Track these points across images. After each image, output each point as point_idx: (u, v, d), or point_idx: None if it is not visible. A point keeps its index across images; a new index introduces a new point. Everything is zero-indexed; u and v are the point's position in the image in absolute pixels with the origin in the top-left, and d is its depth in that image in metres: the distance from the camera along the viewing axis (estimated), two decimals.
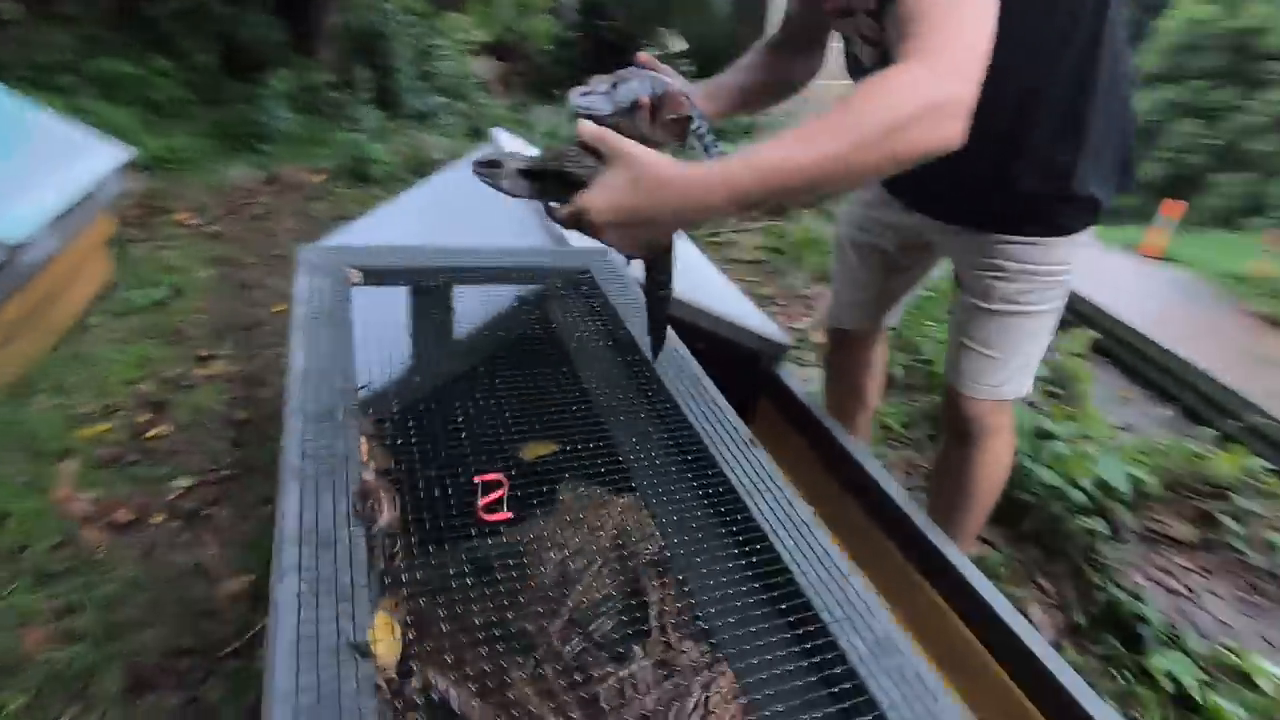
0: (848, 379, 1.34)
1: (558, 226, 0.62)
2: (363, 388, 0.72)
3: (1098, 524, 1.48)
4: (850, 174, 0.56)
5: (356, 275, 0.89)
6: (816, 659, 0.56)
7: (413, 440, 0.68)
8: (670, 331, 0.88)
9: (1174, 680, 1.22)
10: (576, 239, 1.24)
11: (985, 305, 1.01)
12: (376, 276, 0.91)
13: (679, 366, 0.90)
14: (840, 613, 0.59)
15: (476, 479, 0.62)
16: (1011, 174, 0.91)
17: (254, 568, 1.31)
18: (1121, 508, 1.49)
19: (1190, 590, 1.42)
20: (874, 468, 1.13)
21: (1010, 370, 1.04)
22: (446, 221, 1.58)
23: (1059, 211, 0.93)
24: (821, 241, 2.76)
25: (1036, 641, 0.83)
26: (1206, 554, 1.49)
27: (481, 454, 0.70)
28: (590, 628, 0.58)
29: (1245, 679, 1.23)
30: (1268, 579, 1.44)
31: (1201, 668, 1.24)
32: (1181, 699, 1.20)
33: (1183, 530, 1.52)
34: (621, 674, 0.54)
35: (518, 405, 0.77)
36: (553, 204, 0.61)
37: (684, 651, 0.58)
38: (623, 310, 0.99)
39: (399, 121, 4.51)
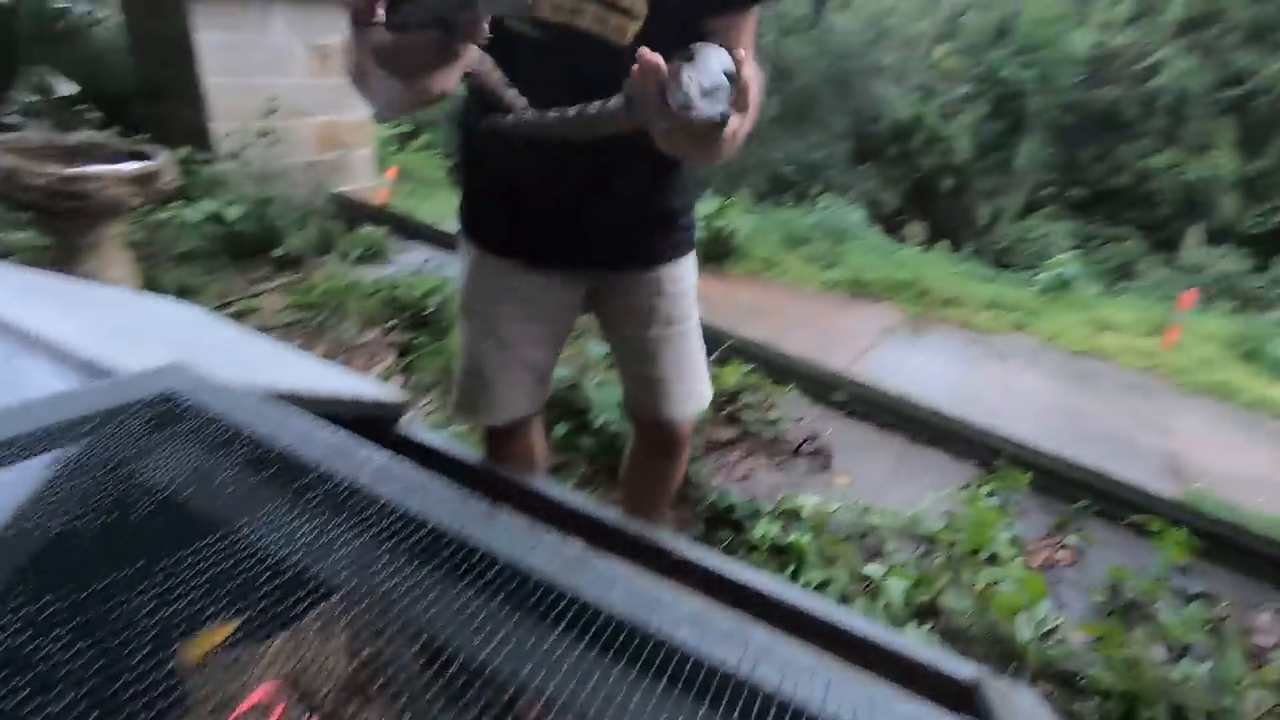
0: (521, 463, 1.21)
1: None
2: None
3: None
4: None
5: None
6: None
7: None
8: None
9: (768, 539, 1.67)
10: (131, 363, 0.93)
11: (661, 334, 1.05)
12: None
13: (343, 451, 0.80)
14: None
15: (241, 709, 0.46)
16: (674, 201, 0.99)
17: None
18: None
19: (747, 473, 1.93)
20: (556, 489, 1.18)
21: (699, 381, 1.13)
22: None
23: (691, 226, 1.05)
24: (359, 285, 2.63)
25: (761, 579, 1.02)
26: (743, 443, 2.04)
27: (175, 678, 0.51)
28: None
29: (797, 515, 1.76)
30: (777, 444, 2.06)
31: (776, 520, 1.72)
32: (777, 549, 1.65)
33: (726, 433, 2.04)
34: None
35: (192, 586, 0.58)
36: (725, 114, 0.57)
37: None
38: (238, 421, 0.81)
39: None
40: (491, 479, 1.21)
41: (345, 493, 0.75)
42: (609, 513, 1.12)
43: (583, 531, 1.15)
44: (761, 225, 7.56)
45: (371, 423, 1.31)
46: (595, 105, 0.68)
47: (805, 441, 2.03)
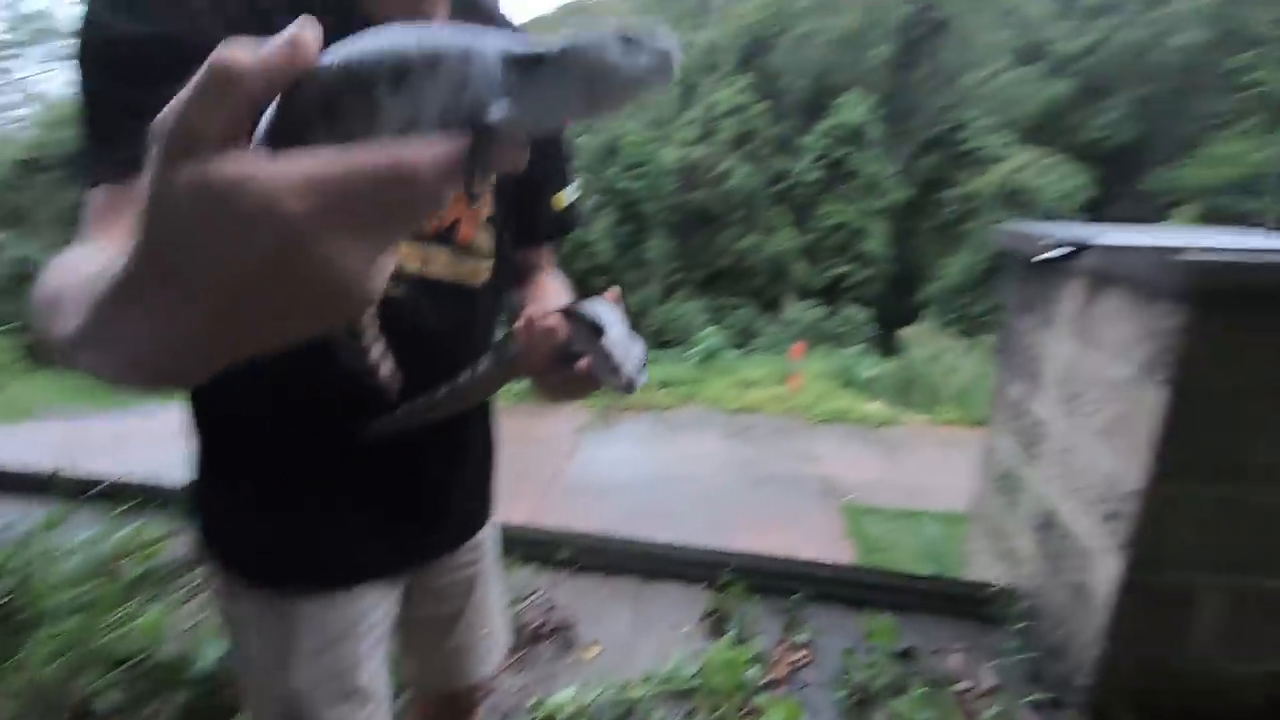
0: None
1: None
2: None
3: None
4: None
5: None
6: None
7: None
8: None
9: None
10: None
11: (477, 598, 0.93)
12: None
13: None
14: None
15: None
16: (496, 453, 0.91)
17: None
18: None
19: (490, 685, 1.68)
20: None
21: (503, 626, 1.02)
22: None
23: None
24: None
25: None
26: None
27: None
28: None
29: None
30: (515, 634, 1.86)
31: None
32: None
33: None
34: None
35: None
36: None
37: None
38: None
39: None
40: None
41: None
42: None
43: None
44: None
45: None
46: (467, 375, 0.66)
47: (544, 622, 1.87)
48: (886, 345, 13.43)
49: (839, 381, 10.13)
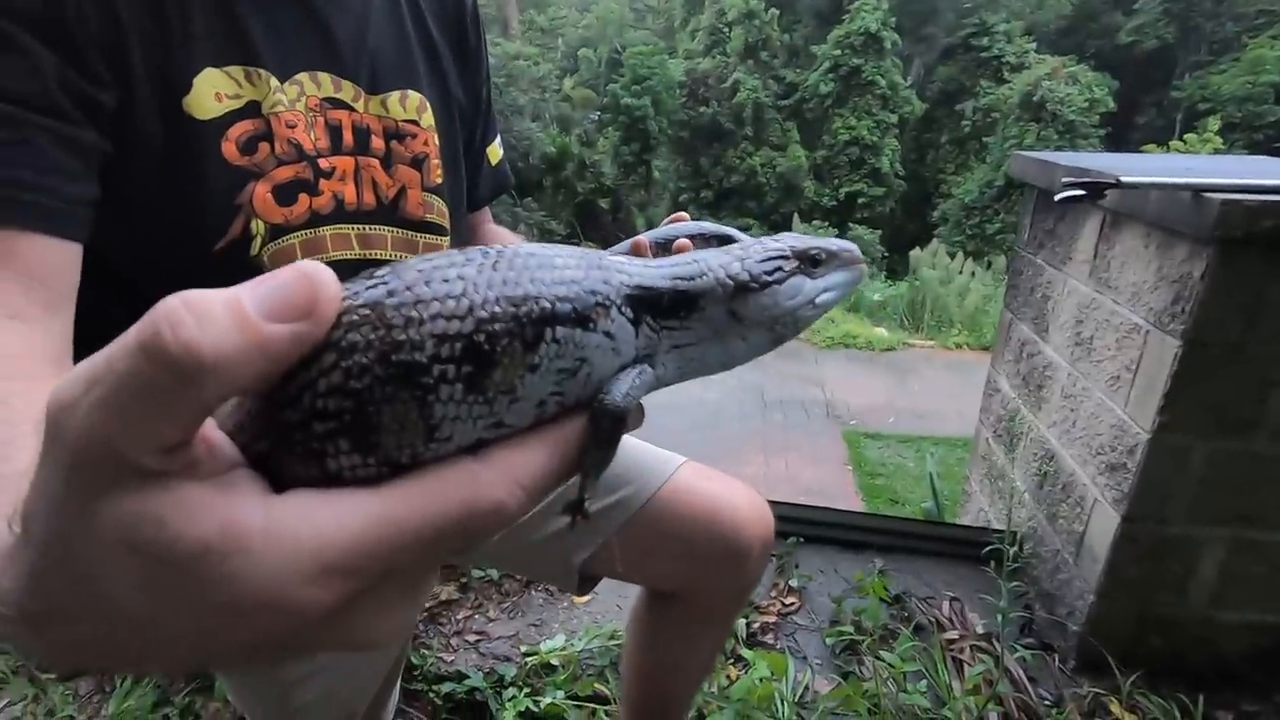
0: None
1: None
2: None
3: None
4: None
5: None
6: None
7: None
8: None
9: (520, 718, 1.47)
10: None
11: None
12: None
13: None
14: None
15: None
16: None
17: None
18: None
19: (480, 633, 1.70)
20: None
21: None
22: None
23: None
24: None
25: None
26: (468, 596, 1.81)
27: None
28: None
29: (549, 666, 1.60)
30: (504, 581, 1.87)
31: (525, 688, 1.53)
32: None
33: (445, 590, 1.79)
34: None
35: None
36: None
37: None
38: None
39: None
40: None
41: None
42: None
43: None
44: None
45: None
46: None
47: None
48: (895, 267, 13.16)
49: (845, 305, 10.00)
